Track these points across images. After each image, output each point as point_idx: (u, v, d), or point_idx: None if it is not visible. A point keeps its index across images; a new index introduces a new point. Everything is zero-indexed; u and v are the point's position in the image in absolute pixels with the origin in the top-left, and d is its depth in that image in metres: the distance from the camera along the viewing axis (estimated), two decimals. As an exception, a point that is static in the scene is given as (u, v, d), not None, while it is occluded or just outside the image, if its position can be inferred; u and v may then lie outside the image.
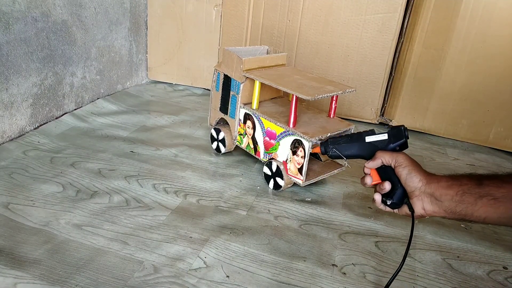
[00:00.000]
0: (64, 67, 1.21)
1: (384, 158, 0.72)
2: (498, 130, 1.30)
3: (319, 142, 0.82)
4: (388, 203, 0.73)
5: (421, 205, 0.68)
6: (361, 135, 0.76)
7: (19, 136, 1.08)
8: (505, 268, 0.77)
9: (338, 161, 1.00)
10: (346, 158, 0.77)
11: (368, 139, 0.75)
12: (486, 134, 1.32)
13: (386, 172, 0.72)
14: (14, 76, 1.04)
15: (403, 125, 0.74)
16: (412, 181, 0.68)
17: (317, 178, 0.94)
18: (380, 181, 0.73)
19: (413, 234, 0.84)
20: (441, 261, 0.77)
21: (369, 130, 0.77)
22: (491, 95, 1.27)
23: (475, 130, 1.33)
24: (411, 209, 0.70)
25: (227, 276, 0.68)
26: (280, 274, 0.70)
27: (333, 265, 0.73)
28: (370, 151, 0.74)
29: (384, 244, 0.80)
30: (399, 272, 0.69)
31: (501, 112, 1.28)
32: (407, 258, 0.76)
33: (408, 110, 1.39)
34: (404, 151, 0.74)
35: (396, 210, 0.73)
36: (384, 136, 0.74)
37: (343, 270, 0.72)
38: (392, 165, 0.71)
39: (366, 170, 0.75)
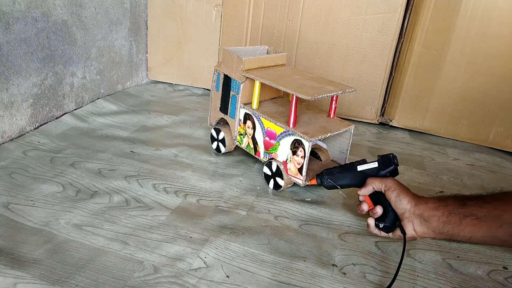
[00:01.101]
0: (64, 67, 1.21)
1: (374, 184, 0.76)
2: (498, 130, 1.30)
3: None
4: (381, 227, 0.76)
5: (412, 226, 0.71)
6: (353, 165, 0.81)
7: (19, 136, 1.08)
8: (505, 268, 0.77)
9: (338, 160, 1.00)
10: (341, 188, 0.82)
11: (360, 168, 0.80)
12: (486, 134, 1.32)
13: (377, 198, 0.76)
14: (14, 76, 1.04)
15: (392, 153, 0.79)
16: (401, 203, 0.71)
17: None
18: (373, 206, 0.77)
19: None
20: (441, 261, 0.77)
21: (361, 159, 0.82)
22: (491, 95, 1.27)
23: (475, 130, 1.33)
24: (402, 231, 0.72)
25: (227, 276, 0.68)
26: (280, 274, 0.70)
27: (333, 265, 0.73)
28: (362, 179, 0.79)
29: (384, 244, 0.80)
30: (400, 273, 0.69)
31: (501, 112, 1.28)
32: (407, 258, 0.77)
33: (408, 110, 1.39)
34: (395, 177, 0.78)
35: (390, 234, 0.77)
36: (375, 164, 0.79)
37: (343, 270, 0.72)
38: (382, 190, 0.75)
39: (361, 198, 0.79)
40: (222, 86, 1.05)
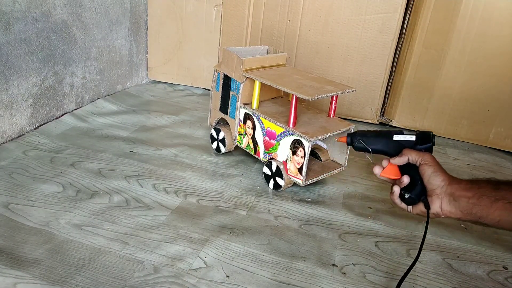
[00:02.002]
0: (64, 67, 1.21)
1: (411, 156, 0.73)
2: (498, 130, 1.30)
3: (346, 133, 0.83)
4: (406, 197, 0.73)
5: (439, 204, 0.69)
6: (389, 133, 0.77)
7: (19, 136, 1.08)
8: (505, 268, 0.77)
9: (338, 160, 1.00)
10: (371, 152, 0.78)
11: (396, 137, 0.76)
12: (486, 134, 1.32)
13: (408, 169, 0.74)
14: (14, 76, 1.04)
15: (431, 131, 0.76)
16: (436, 179, 0.69)
17: (317, 178, 0.94)
18: (400, 176, 0.75)
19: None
20: (441, 261, 0.77)
21: (398, 130, 0.78)
22: (491, 95, 1.27)
23: (475, 130, 1.33)
24: (427, 206, 0.70)
25: (227, 276, 0.68)
26: (280, 274, 0.70)
27: (333, 265, 0.73)
28: (396, 149, 0.76)
29: (384, 244, 0.80)
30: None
31: (501, 112, 1.28)
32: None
33: (408, 110, 1.39)
34: None
35: (410, 208, 0.74)
36: (412, 138, 0.76)
37: (343, 270, 0.72)
38: (418, 163, 0.72)
39: (385, 163, 0.77)
40: (222, 86, 1.05)
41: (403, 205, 0.75)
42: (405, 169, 0.74)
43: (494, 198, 0.64)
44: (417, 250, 0.69)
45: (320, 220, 0.86)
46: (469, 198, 0.66)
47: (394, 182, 0.76)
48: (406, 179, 0.73)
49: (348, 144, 0.81)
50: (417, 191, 0.72)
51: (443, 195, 0.69)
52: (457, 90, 1.30)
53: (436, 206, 0.70)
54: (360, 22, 1.32)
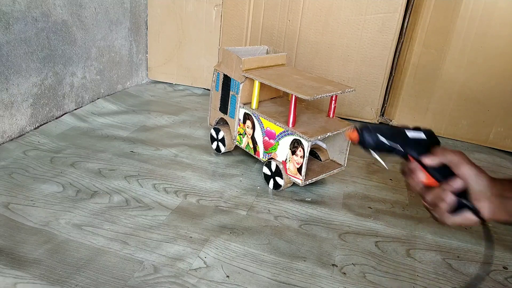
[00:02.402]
0: (64, 67, 1.21)
1: (445, 155, 0.60)
2: (498, 130, 1.30)
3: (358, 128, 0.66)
4: (468, 205, 0.58)
5: (488, 207, 0.58)
6: (400, 130, 0.63)
7: (19, 136, 1.08)
8: (505, 268, 0.77)
9: (338, 160, 1.00)
10: (387, 151, 0.63)
11: (410, 134, 0.62)
12: (486, 134, 1.32)
13: (442, 172, 0.60)
14: (14, 76, 1.04)
15: (430, 129, 0.64)
16: (481, 180, 0.58)
17: (317, 178, 0.94)
18: (433, 181, 0.61)
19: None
20: (441, 261, 0.77)
21: (404, 126, 0.64)
22: (491, 95, 1.27)
23: (475, 130, 1.33)
24: (476, 212, 0.58)
25: (227, 276, 0.68)
26: (280, 274, 0.70)
27: (333, 265, 0.73)
28: (413, 148, 0.62)
29: (384, 244, 0.80)
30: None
31: (501, 112, 1.28)
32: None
33: (408, 110, 1.39)
34: None
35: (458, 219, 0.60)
36: (422, 135, 0.63)
37: (343, 270, 0.72)
38: (453, 164, 0.60)
39: (414, 166, 0.62)
40: (222, 86, 1.05)
41: (456, 218, 0.60)
42: (438, 171, 0.60)
43: None
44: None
45: (320, 220, 0.86)
46: None
47: (426, 190, 0.61)
48: (459, 183, 0.59)
49: (360, 143, 0.63)
50: (467, 197, 0.58)
51: (485, 198, 0.58)
52: (457, 90, 1.30)
53: (486, 210, 0.58)
54: (360, 22, 1.32)
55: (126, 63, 1.52)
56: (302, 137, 0.87)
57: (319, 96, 0.86)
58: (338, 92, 0.91)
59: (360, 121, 1.44)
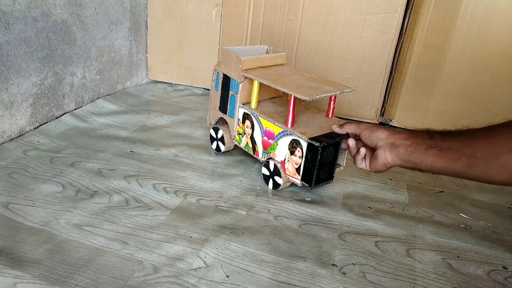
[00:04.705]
0: (64, 67, 1.21)
1: (350, 128, 0.85)
2: (498, 130, 1.30)
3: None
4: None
5: (383, 154, 0.76)
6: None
7: (19, 136, 1.08)
8: (505, 268, 0.77)
9: (337, 160, 1.00)
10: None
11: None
12: (486, 134, 1.31)
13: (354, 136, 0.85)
14: (14, 76, 1.04)
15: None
16: (377, 134, 0.78)
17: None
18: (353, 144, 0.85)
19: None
20: (441, 261, 0.77)
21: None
22: (491, 95, 1.27)
23: (475, 130, 1.33)
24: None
25: (227, 276, 0.68)
26: (280, 274, 0.70)
27: (333, 265, 0.73)
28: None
29: (384, 244, 0.80)
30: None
31: (501, 112, 1.27)
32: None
33: (408, 110, 1.39)
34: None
35: (368, 165, 0.82)
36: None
37: (343, 270, 0.72)
38: (357, 132, 0.83)
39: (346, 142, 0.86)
40: (221, 85, 1.05)
41: (364, 164, 0.83)
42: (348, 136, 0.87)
43: (428, 146, 0.69)
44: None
45: (320, 220, 0.86)
46: (407, 146, 0.72)
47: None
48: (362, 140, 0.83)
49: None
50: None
51: (385, 146, 0.76)
52: (457, 90, 1.30)
53: (382, 157, 0.76)
54: (360, 22, 1.32)
55: (126, 63, 1.52)
56: (301, 138, 0.87)
57: (318, 97, 0.86)
58: (337, 93, 0.91)
59: (360, 121, 1.43)
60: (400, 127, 1.42)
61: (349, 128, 0.85)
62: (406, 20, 1.31)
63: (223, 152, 1.10)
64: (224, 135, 1.06)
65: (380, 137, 0.77)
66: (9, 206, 0.81)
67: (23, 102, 1.09)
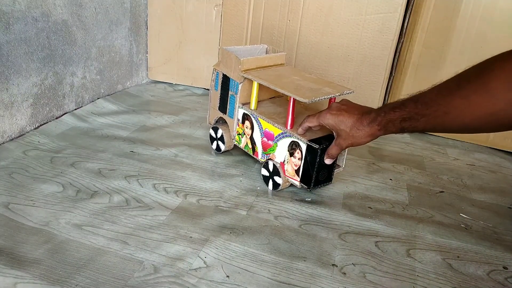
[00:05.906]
0: (64, 67, 1.21)
1: (310, 122, 0.88)
2: (498, 130, 1.30)
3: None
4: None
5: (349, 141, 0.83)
6: None
7: (19, 136, 1.08)
8: (505, 268, 0.77)
9: (337, 161, 1.00)
10: None
11: None
12: (486, 134, 1.32)
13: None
14: (14, 76, 1.04)
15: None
16: (342, 123, 0.83)
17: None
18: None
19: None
20: (441, 261, 0.77)
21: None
22: (491, 95, 1.27)
23: (475, 130, 1.33)
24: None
25: (227, 276, 0.68)
26: (280, 274, 0.70)
27: (333, 265, 0.73)
28: None
29: (384, 244, 0.80)
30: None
31: (501, 112, 1.27)
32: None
33: (408, 110, 1.38)
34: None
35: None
36: None
37: (343, 270, 0.72)
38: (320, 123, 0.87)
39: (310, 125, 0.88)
40: (221, 85, 1.05)
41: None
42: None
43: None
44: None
45: (320, 220, 0.86)
46: (356, 128, 0.81)
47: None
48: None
49: None
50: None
51: (342, 131, 0.83)
52: (457, 90, 1.30)
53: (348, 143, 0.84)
54: (360, 22, 1.32)
55: (126, 63, 1.52)
56: (300, 139, 0.87)
57: (317, 99, 0.86)
58: (337, 95, 0.91)
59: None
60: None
61: (309, 124, 0.88)
62: (406, 20, 1.31)
63: (223, 152, 1.10)
64: (224, 134, 1.06)
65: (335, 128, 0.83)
66: (9, 206, 0.81)
67: (24, 102, 1.09)
